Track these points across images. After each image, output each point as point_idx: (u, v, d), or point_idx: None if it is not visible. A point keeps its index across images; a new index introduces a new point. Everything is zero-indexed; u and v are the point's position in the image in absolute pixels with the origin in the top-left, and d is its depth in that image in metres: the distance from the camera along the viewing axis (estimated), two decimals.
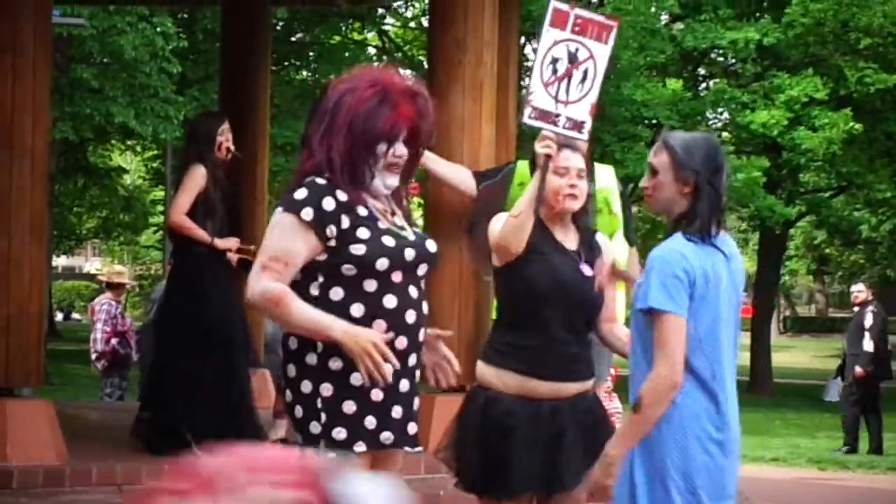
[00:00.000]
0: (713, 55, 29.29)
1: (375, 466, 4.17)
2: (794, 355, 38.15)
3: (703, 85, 29.06)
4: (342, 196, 4.06)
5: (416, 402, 4.19)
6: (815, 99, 24.44)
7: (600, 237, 4.95)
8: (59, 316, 49.57)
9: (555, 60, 4.68)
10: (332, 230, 4.02)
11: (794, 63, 25.94)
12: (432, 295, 7.46)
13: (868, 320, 15.26)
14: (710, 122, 28.94)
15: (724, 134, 27.85)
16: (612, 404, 15.82)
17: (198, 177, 7.34)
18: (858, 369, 15.06)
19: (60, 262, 61.93)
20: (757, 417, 20.22)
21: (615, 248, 5.01)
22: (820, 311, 63.49)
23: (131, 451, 7.27)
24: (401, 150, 4.13)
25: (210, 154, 7.43)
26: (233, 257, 7.47)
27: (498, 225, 4.72)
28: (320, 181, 4.07)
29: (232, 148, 7.56)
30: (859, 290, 16.14)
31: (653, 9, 24.48)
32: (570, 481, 4.64)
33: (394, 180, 4.16)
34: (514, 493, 4.68)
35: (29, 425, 6.70)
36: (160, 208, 37.22)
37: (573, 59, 4.70)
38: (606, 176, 6.90)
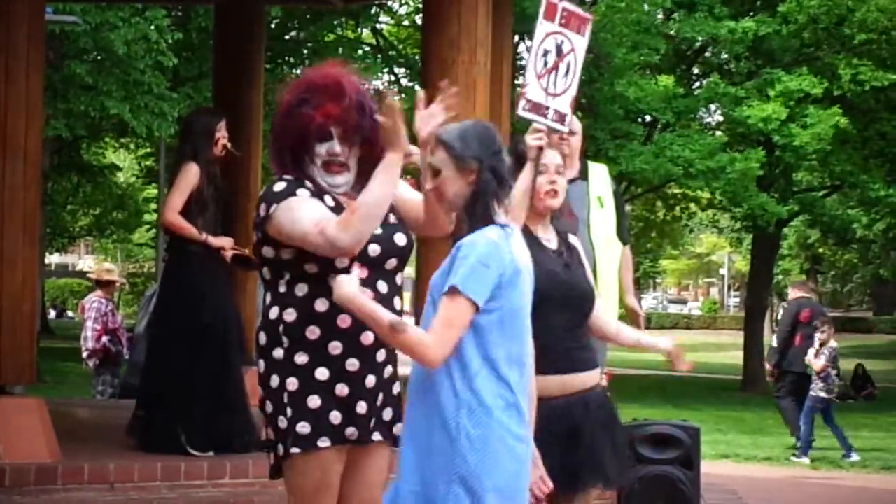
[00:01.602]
0: (707, 54, 29.32)
1: (355, 462, 4.18)
2: None
3: (697, 84, 29.07)
4: (311, 186, 4.14)
5: (382, 397, 4.16)
6: (810, 96, 24.48)
7: (573, 239, 4.99)
8: (53, 313, 49.54)
9: (546, 53, 4.72)
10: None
11: (788, 62, 25.96)
12: (424, 291, 7.48)
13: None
14: (705, 120, 28.97)
15: (718, 133, 27.85)
16: None
17: (191, 175, 7.34)
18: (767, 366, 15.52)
19: (54, 259, 61.89)
20: (750, 416, 20.26)
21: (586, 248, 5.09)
22: None
23: (124, 450, 7.27)
24: (335, 148, 4.14)
25: (206, 151, 7.43)
26: (227, 255, 7.47)
27: None
28: (288, 177, 4.16)
29: (229, 145, 7.56)
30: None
31: (646, 6, 24.48)
32: (589, 479, 4.66)
33: (337, 179, 4.17)
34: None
35: (21, 423, 6.70)
36: (153, 206, 37.18)
37: (560, 51, 4.76)
38: (600, 174, 6.91)
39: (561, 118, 4.74)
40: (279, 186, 4.12)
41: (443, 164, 3.87)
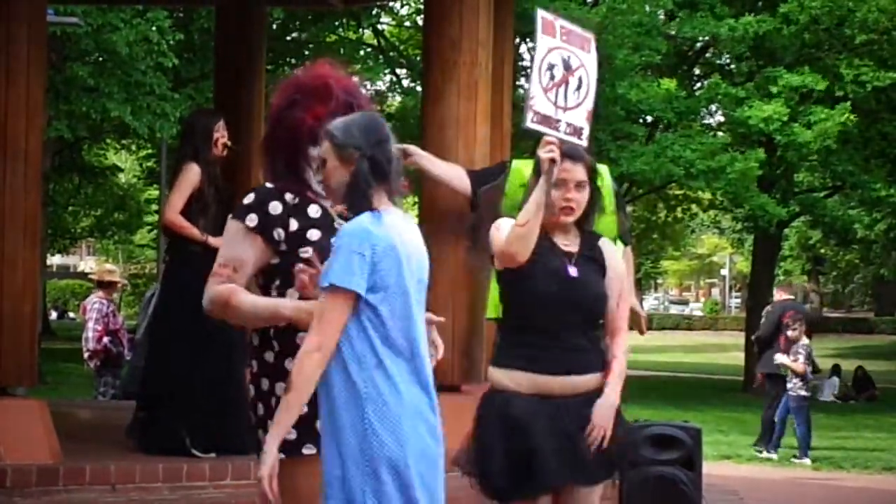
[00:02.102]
0: (708, 55, 29.31)
1: None
2: None
3: (699, 84, 29.06)
4: (290, 199, 4.10)
5: None
6: (813, 94, 24.47)
7: (604, 242, 4.90)
8: (54, 315, 49.56)
9: (551, 66, 4.71)
10: (279, 234, 4.07)
11: (790, 62, 25.96)
12: (433, 293, 7.48)
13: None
14: (707, 121, 28.96)
15: (720, 133, 27.85)
16: None
17: (191, 175, 7.35)
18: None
19: (55, 260, 61.91)
20: (751, 417, 20.23)
21: (616, 255, 4.97)
22: (814, 310, 63.70)
23: (125, 451, 7.27)
24: None
25: (206, 151, 7.44)
26: None
27: (500, 231, 4.71)
28: (269, 185, 4.14)
29: (229, 143, 7.57)
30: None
31: (647, 7, 24.48)
32: (591, 474, 4.66)
33: None
34: (544, 487, 4.66)
35: (23, 424, 6.70)
36: (154, 207, 37.21)
37: (567, 66, 4.74)
38: (602, 175, 6.92)
39: (576, 131, 4.73)
40: (248, 199, 4.13)
41: (327, 155, 3.90)
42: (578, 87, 4.76)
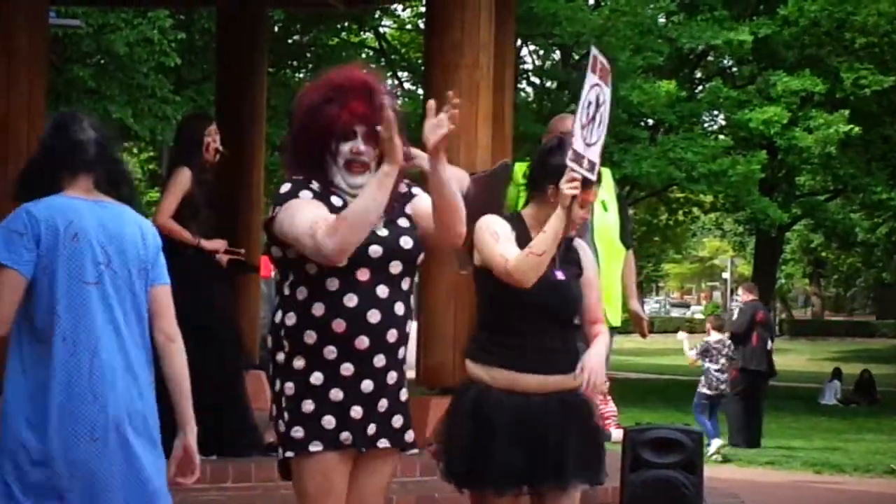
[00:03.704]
0: (710, 58, 29.31)
1: (359, 467, 4.17)
2: (790, 358, 38.11)
3: (700, 88, 29.07)
4: (317, 187, 4.12)
5: (387, 403, 4.14)
6: (813, 97, 24.45)
7: (578, 242, 5.00)
8: None
9: (589, 104, 4.77)
10: None
11: (790, 64, 25.96)
12: (428, 296, 7.47)
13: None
14: (707, 125, 28.97)
15: (721, 136, 27.86)
16: (608, 407, 15.91)
17: (182, 179, 7.33)
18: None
19: None
20: None
21: (590, 252, 5.08)
22: (816, 314, 63.66)
23: None
24: (360, 147, 4.12)
25: (197, 156, 7.42)
26: (222, 258, 7.47)
27: (499, 242, 4.71)
28: (297, 177, 4.15)
29: (220, 148, 7.55)
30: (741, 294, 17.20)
31: (649, 9, 24.48)
32: (551, 478, 4.69)
33: (358, 180, 4.12)
34: (497, 488, 4.71)
35: None
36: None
37: (598, 103, 4.81)
38: (604, 178, 6.92)
39: (592, 167, 4.80)
40: (285, 188, 4.13)
41: None
42: (600, 124, 4.82)
